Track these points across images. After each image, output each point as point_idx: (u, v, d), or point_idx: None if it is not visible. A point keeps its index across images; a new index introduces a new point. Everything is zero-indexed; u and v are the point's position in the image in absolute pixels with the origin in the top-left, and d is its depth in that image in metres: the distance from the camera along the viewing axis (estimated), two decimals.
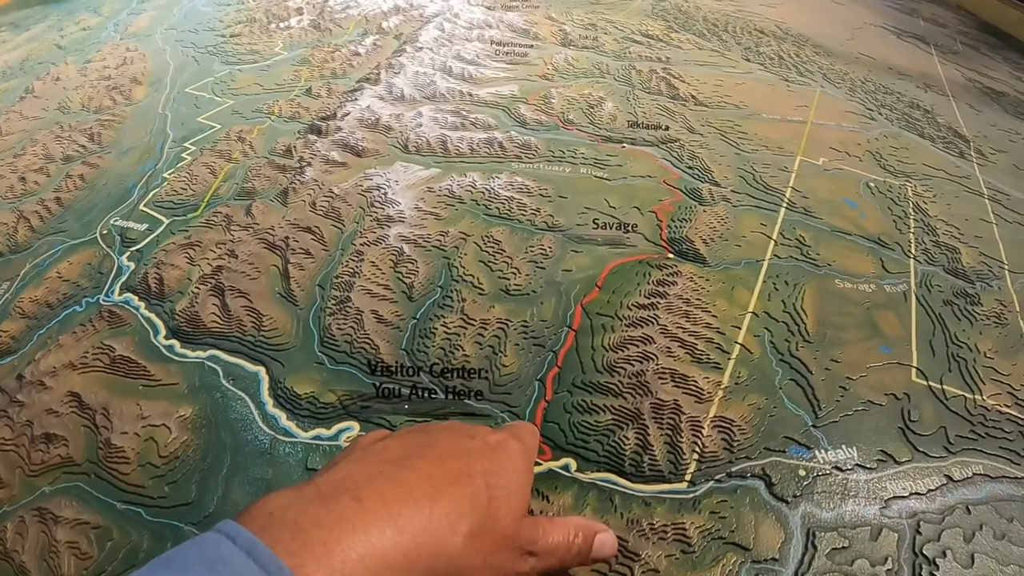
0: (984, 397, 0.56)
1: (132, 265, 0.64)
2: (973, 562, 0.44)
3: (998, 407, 0.55)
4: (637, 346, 0.54)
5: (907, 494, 0.48)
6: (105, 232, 0.68)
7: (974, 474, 0.50)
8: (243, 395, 0.52)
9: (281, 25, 1.11)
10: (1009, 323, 0.63)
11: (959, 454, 0.51)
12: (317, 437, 0.49)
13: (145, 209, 0.71)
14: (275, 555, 0.24)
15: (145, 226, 0.69)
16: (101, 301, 0.60)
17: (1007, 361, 0.59)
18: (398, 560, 0.26)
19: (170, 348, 0.56)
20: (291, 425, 0.50)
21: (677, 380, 0.52)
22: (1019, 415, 0.55)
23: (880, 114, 0.99)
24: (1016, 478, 0.50)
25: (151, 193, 0.73)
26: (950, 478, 0.49)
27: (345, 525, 0.26)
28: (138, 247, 0.66)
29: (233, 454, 0.48)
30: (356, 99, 0.88)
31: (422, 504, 0.29)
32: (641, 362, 0.53)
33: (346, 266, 0.62)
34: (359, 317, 0.57)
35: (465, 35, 1.05)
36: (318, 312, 0.58)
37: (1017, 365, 0.59)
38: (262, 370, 0.54)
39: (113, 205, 0.72)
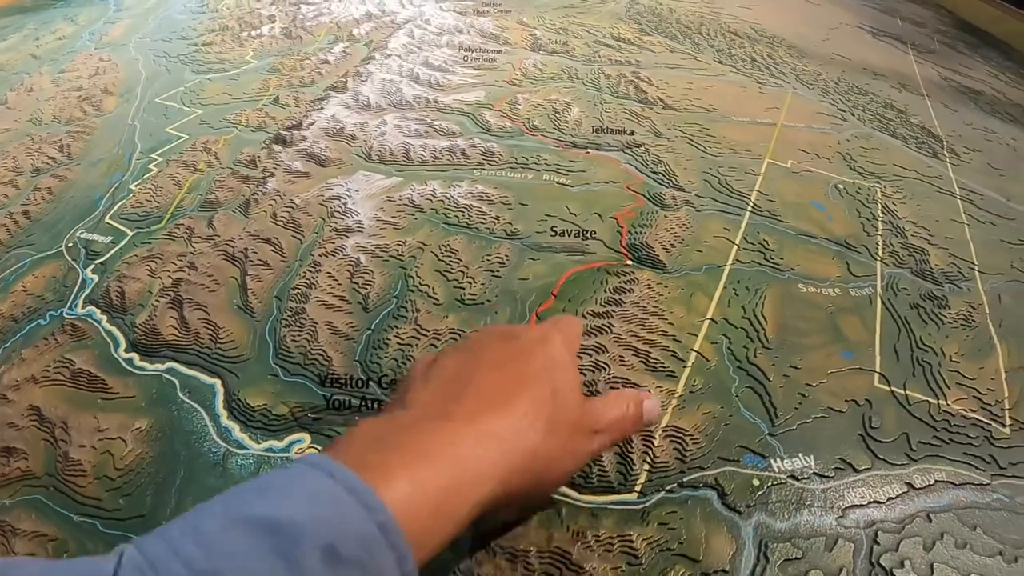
0: (949, 402, 0.55)
1: (96, 278, 0.63)
2: (932, 572, 0.43)
3: (963, 412, 0.54)
4: (590, 355, 0.54)
5: (865, 503, 0.47)
6: (71, 245, 0.68)
7: (936, 481, 0.49)
8: (198, 407, 0.52)
9: (253, 33, 1.10)
10: (977, 325, 0.63)
11: (921, 461, 0.50)
12: (269, 449, 0.49)
13: (110, 222, 0.71)
14: (370, 489, 0.24)
15: (110, 239, 0.68)
16: (64, 315, 0.60)
17: (974, 364, 0.59)
18: (495, 468, 0.29)
19: (129, 361, 0.55)
20: (244, 437, 0.49)
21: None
22: (984, 420, 0.54)
23: (852, 115, 0.99)
24: (981, 484, 0.49)
25: (117, 205, 0.73)
26: (911, 486, 0.48)
27: (444, 444, 0.29)
28: (102, 260, 0.66)
29: (187, 467, 0.48)
30: (322, 108, 0.87)
31: (500, 411, 0.31)
32: (593, 372, 0.52)
33: (303, 277, 0.62)
34: (313, 328, 0.57)
35: (435, 41, 1.05)
36: (274, 324, 0.58)
37: (984, 368, 0.58)
38: (218, 382, 0.54)
39: (80, 218, 0.72)
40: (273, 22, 1.16)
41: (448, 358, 0.36)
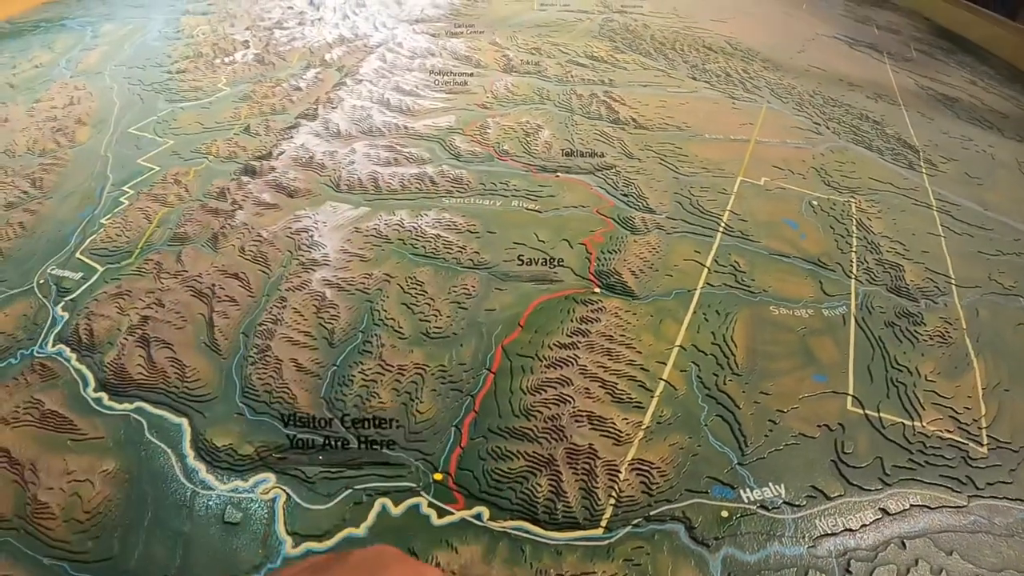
0: (924, 423, 0.54)
1: (66, 315, 0.63)
2: None
3: (939, 432, 0.54)
4: (555, 388, 0.53)
5: (838, 531, 0.46)
6: (42, 282, 0.67)
7: (911, 506, 0.49)
8: (166, 448, 0.51)
9: (226, 60, 1.09)
10: (954, 341, 0.62)
11: (896, 485, 0.49)
12: (235, 489, 0.48)
13: (81, 257, 0.70)
14: None
15: (80, 275, 0.68)
16: (35, 353, 0.59)
17: (950, 383, 0.58)
18: None
19: (98, 400, 0.55)
20: (210, 478, 0.49)
21: (594, 423, 0.50)
22: (961, 440, 0.53)
23: (827, 128, 0.98)
24: (957, 507, 0.49)
25: (88, 240, 0.72)
26: (885, 511, 0.48)
27: None
28: (72, 297, 0.65)
29: (154, 508, 0.47)
30: (292, 137, 0.86)
31: None
32: (558, 405, 0.51)
33: (269, 313, 0.61)
34: (279, 366, 0.56)
35: (407, 65, 1.04)
36: (241, 361, 0.57)
37: (960, 386, 0.58)
38: (185, 421, 0.53)
39: (51, 253, 0.71)
40: (247, 48, 1.15)
41: None
